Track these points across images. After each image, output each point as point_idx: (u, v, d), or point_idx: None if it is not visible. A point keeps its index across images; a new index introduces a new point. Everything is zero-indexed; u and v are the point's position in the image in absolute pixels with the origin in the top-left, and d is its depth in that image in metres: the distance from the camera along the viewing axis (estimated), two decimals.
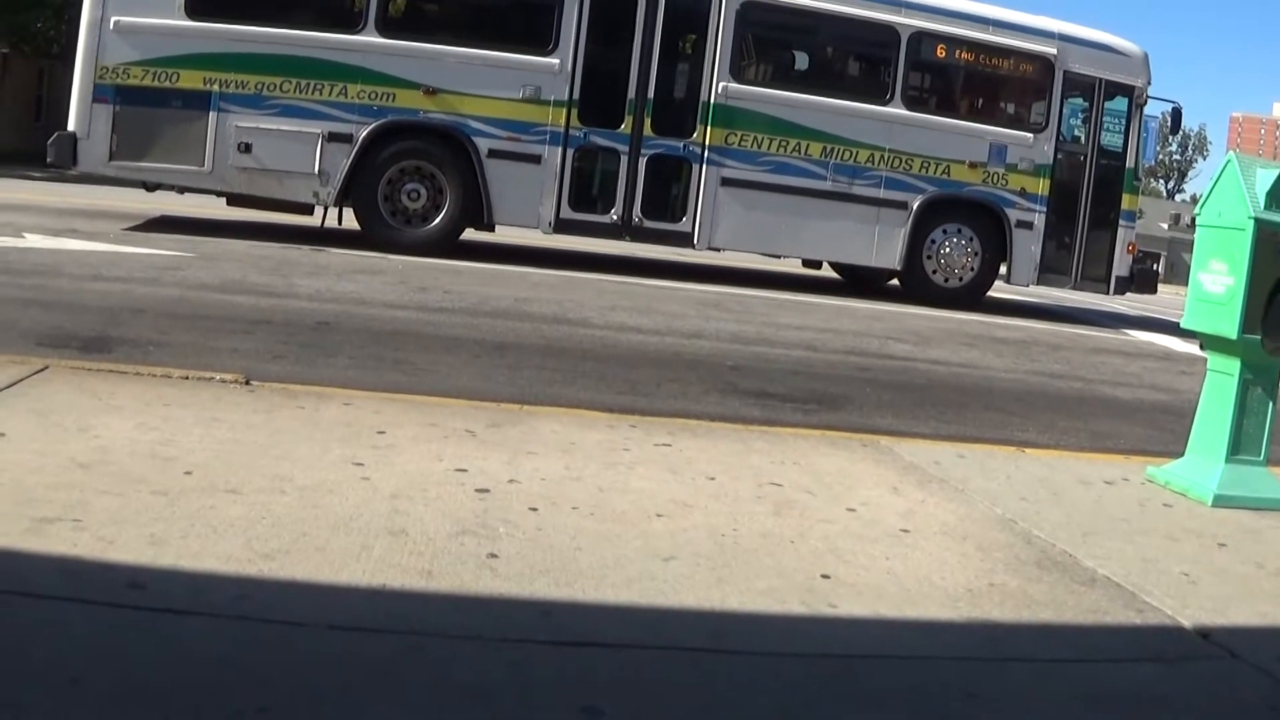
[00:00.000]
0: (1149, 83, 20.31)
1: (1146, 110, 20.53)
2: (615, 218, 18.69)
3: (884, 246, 19.45)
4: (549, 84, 18.29)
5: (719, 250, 19.82)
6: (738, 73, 19.10)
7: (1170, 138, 31.29)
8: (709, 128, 18.80)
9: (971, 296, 19.81)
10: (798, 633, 4.48)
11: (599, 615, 4.40)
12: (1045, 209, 19.86)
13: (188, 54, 17.39)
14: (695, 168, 18.83)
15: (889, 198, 19.34)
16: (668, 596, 4.61)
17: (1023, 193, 19.70)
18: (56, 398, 6.63)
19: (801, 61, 21.20)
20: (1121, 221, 20.44)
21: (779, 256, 21.11)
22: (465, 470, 6.03)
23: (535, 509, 5.49)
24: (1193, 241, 7.78)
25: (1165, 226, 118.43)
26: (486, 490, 5.71)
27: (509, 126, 18.18)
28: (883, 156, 19.23)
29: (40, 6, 44.45)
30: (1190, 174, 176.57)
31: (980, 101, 20.83)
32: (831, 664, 4.24)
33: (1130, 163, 20.36)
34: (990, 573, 5.32)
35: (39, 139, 25.42)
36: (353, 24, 18.06)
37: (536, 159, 18.31)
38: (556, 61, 18.28)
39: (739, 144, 18.86)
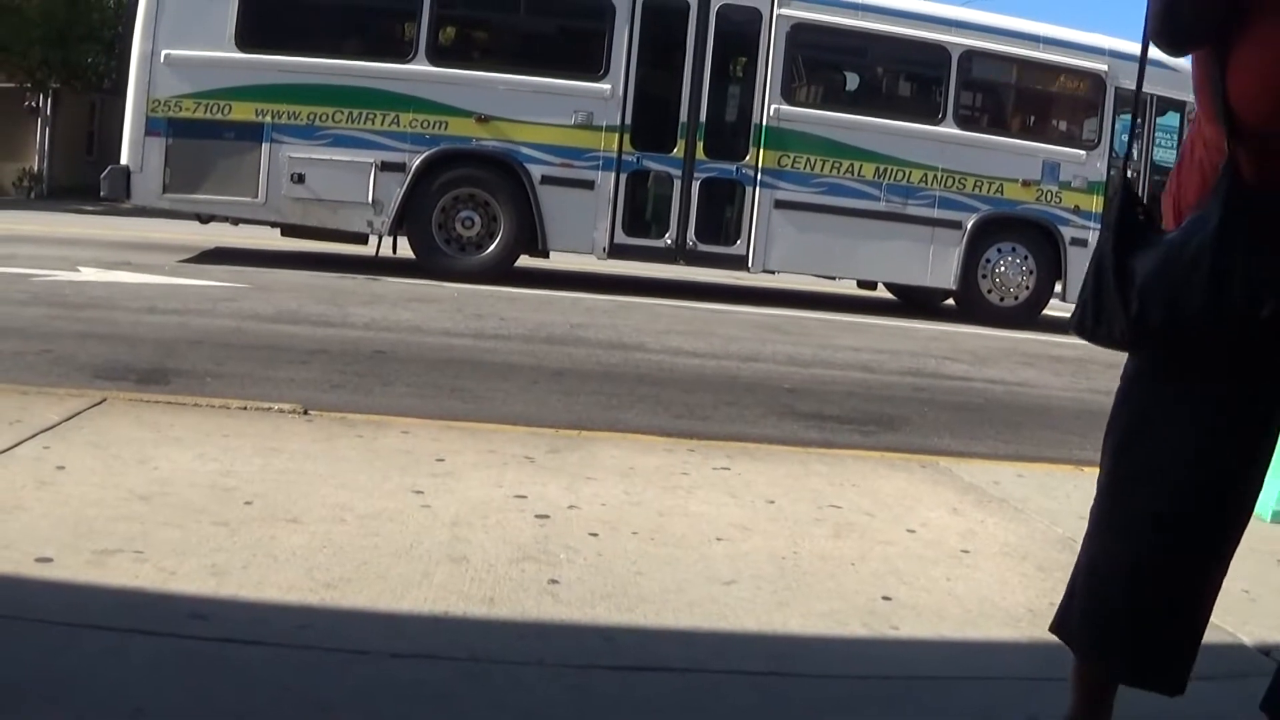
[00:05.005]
0: None
1: None
2: (669, 242, 18.65)
3: (939, 266, 19.34)
4: (601, 109, 18.28)
5: (774, 273, 19.77)
6: (789, 95, 19.02)
7: None
8: (761, 150, 18.70)
9: (1027, 315, 19.65)
10: (859, 655, 4.47)
11: (661, 639, 4.39)
12: (1100, 226, 19.68)
13: (239, 86, 17.46)
14: (748, 190, 18.74)
15: (943, 217, 19.21)
16: (729, 620, 4.60)
17: (1077, 210, 19.53)
18: (115, 430, 6.66)
19: (853, 82, 21.14)
20: None
21: (834, 278, 21.04)
22: (525, 496, 6.03)
23: (595, 534, 5.49)
24: None
25: None
26: (546, 516, 5.71)
27: (561, 153, 18.17)
28: (936, 176, 19.10)
29: (90, 41, 44.80)
30: None
31: (1032, 119, 20.71)
32: (893, 686, 4.22)
33: None
34: (1051, 592, 5.27)
35: (91, 173, 25.63)
36: (404, 53, 18.11)
37: (590, 185, 18.29)
38: (608, 87, 18.26)
39: (792, 166, 18.77)
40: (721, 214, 18.98)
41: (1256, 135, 3.07)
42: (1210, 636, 4.80)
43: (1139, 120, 19.92)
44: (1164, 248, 3.18)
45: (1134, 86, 19.28)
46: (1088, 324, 3.35)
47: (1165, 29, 3.17)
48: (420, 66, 17.89)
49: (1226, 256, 3.04)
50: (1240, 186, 3.09)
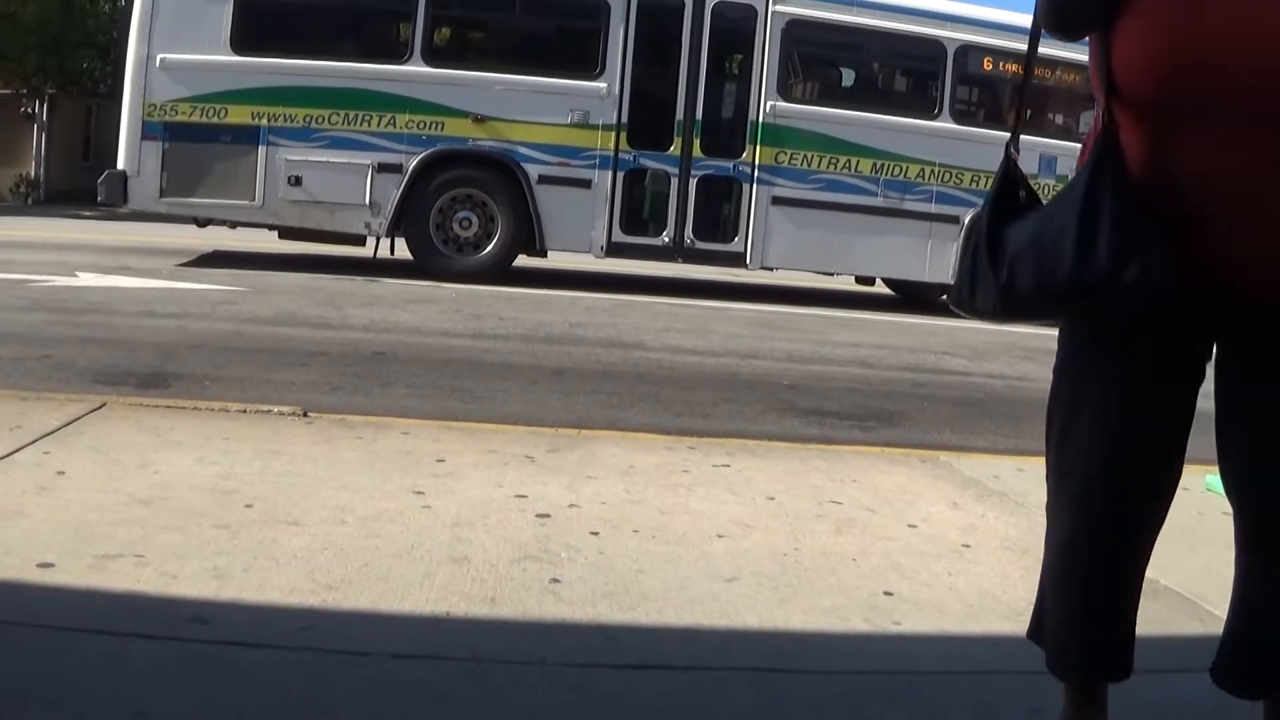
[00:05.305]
0: None
1: None
2: (667, 240, 18.64)
3: (937, 261, 19.26)
4: (597, 108, 18.26)
5: (772, 269, 19.75)
6: (785, 91, 18.99)
7: None
8: (758, 147, 18.67)
9: None
10: (861, 650, 4.47)
11: (662, 637, 4.39)
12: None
13: (235, 89, 17.45)
14: (746, 187, 18.71)
15: (940, 212, 19.15)
16: (730, 617, 4.60)
17: None
18: (115, 435, 6.67)
19: (849, 78, 21.09)
20: None
21: (832, 274, 21.00)
22: (525, 496, 6.03)
23: (596, 533, 5.49)
24: None
25: None
26: (547, 515, 5.71)
27: (558, 152, 18.16)
28: (933, 171, 19.07)
29: (86, 47, 44.78)
30: None
31: (1028, 113, 20.65)
32: (895, 681, 4.22)
33: None
34: None
35: (88, 178, 25.59)
36: (399, 54, 18.11)
37: (587, 183, 18.28)
38: (604, 85, 18.24)
39: (789, 163, 18.74)
40: (719, 211, 18.96)
41: (1147, 109, 3.08)
42: (1211, 628, 4.81)
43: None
44: (1035, 218, 3.24)
45: None
46: (964, 296, 3.41)
47: (1052, 10, 3.21)
48: (416, 67, 17.88)
49: (1092, 223, 3.08)
50: (1111, 156, 3.12)
